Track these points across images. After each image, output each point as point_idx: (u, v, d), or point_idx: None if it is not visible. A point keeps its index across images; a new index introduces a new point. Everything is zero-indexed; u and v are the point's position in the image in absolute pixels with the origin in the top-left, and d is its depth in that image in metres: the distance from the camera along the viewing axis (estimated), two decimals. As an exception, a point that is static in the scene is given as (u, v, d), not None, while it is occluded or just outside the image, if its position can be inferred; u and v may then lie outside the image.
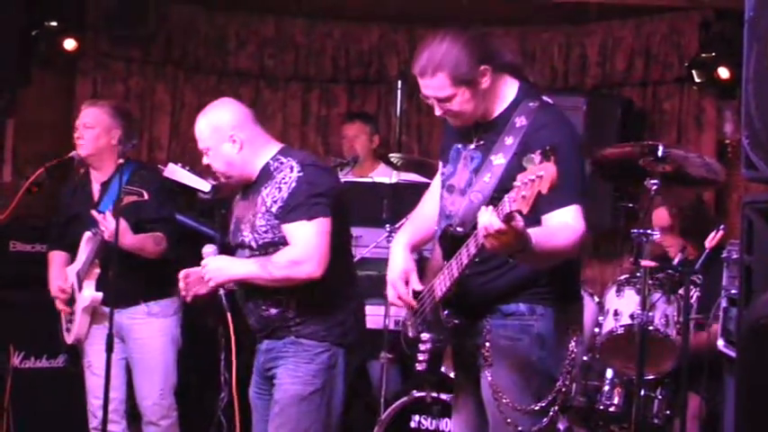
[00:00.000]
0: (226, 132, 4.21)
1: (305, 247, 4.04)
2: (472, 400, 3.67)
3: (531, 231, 3.14)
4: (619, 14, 7.75)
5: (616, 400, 5.47)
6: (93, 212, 5.06)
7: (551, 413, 3.51)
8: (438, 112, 3.60)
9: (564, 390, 3.53)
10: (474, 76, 3.50)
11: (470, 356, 3.60)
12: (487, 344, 3.51)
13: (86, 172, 5.45)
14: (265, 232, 4.11)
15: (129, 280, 5.17)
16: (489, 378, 3.51)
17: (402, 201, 5.91)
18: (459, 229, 3.44)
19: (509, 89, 3.60)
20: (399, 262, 3.70)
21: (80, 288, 5.26)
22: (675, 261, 5.68)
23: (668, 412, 5.40)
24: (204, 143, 4.26)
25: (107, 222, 4.96)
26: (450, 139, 3.75)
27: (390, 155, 6.35)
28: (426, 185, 5.76)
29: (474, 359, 3.58)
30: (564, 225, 3.34)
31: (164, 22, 8.05)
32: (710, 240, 5.38)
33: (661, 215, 5.77)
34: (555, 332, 3.52)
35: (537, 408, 3.49)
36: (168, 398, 5.35)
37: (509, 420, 3.47)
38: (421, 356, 3.64)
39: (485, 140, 3.57)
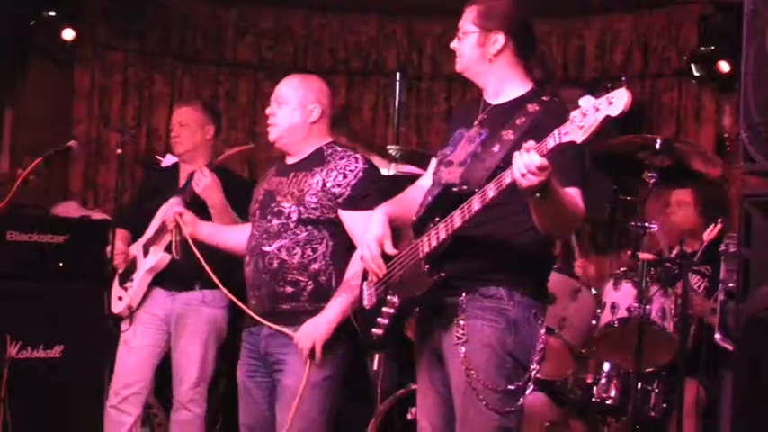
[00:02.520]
0: (312, 99, 4.38)
1: None
2: (439, 380, 3.66)
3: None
4: (618, 7, 7.75)
5: (613, 393, 5.47)
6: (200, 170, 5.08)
7: (521, 400, 3.53)
8: (453, 43, 3.75)
9: (533, 377, 3.56)
10: (491, 28, 3.64)
11: (441, 333, 3.59)
12: (462, 321, 3.50)
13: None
14: (314, 209, 4.22)
15: (187, 261, 5.24)
16: (463, 355, 3.50)
17: (399, 193, 5.89)
18: (464, 187, 3.45)
19: (523, 83, 3.69)
20: (377, 226, 3.68)
21: (145, 255, 5.38)
22: (673, 254, 5.69)
23: (665, 405, 5.40)
24: (286, 96, 4.40)
25: (203, 175, 5.02)
26: (455, 125, 3.82)
27: (388, 146, 6.33)
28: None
29: (443, 335, 3.58)
30: (573, 198, 3.40)
31: (162, 13, 8.05)
32: (708, 233, 5.38)
33: (682, 194, 5.83)
34: (529, 320, 3.53)
35: (508, 389, 3.50)
36: (202, 386, 5.42)
37: (481, 397, 3.47)
38: (381, 320, 3.64)
39: (493, 120, 3.62)
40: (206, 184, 4.98)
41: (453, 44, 3.76)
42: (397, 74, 7.68)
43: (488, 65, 3.67)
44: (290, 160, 4.42)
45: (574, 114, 3.02)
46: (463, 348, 3.50)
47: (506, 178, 3.20)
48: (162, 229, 5.27)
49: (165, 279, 5.37)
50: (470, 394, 3.49)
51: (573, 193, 3.41)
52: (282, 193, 4.29)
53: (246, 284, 4.36)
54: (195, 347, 5.39)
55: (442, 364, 3.61)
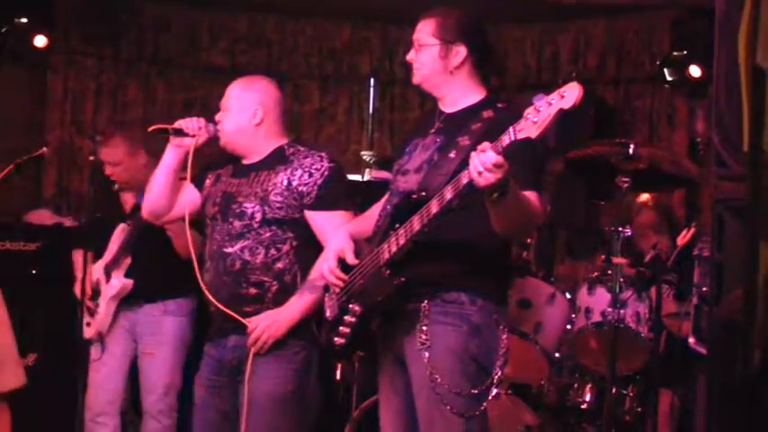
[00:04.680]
0: (254, 101, 4.30)
1: None
2: (402, 386, 3.66)
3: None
4: (591, 12, 7.77)
5: (587, 397, 5.49)
6: None
7: (484, 404, 3.56)
8: (410, 55, 3.79)
9: (496, 381, 3.59)
10: (453, 41, 3.68)
11: (403, 339, 3.60)
12: (426, 327, 3.52)
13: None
14: (279, 208, 4.14)
15: (150, 277, 5.26)
16: (426, 360, 3.51)
17: (374, 198, 5.88)
18: (422, 193, 3.45)
19: (478, 91, 3.73)
20: (337, 240, 3.75)
21: (107, 280, 5.32)
22: (647, 258, 5.71)
23: (639, 409, 5.42)
24: (228, 102, 4.36)
25: None
26: (410, 137, 3.85)
27: (362, 152, 6.33)
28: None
29: (406, 341, 3.58)
30: (531, 200, 3.42)
31: (135, 19, 8.02)
32: (682, 238, 5.40)
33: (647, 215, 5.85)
34: (491, 325, 3.57)
35: (471, 393, 3.52)
36: (171, 396, 5.37)
37: (444, 401, 3.48)
38: (343, 329, 3.64)
39: (448, 127, 3.65)
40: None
41: (410, 56, 3.78)
42: (371, 79, 7.70)
43: (449, 76, 3.71)
44: (246, 161, 4.32)
45: (528, 111, 3.04)
46: (427, 354, 3.52)
47: (463, 179, 3.21)
48: (121, 253, 5.25)
49: (127, 297, 5.35)
50: (434, 399, 3.50)
51: (530, 197, 3.42)
52: (244, 194, 4.19)
53: (205, 290, 4.19)
54: (161, 357, 5.35)
55: (405, 370, 3.61)
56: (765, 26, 3.14)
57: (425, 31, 3.73)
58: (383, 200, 3.89)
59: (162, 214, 4.44)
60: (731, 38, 3.38)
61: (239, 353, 4.14)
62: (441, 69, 3.70)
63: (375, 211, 3.89)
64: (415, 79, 3.77)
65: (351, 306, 3.63)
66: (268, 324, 4.08)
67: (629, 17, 7.68)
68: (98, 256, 5.43)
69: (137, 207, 5.03)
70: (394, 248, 3.47)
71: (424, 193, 3.44)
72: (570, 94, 3.01)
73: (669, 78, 7.20)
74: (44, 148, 5.55)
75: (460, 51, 3.68)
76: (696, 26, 7.00)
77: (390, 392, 3.75)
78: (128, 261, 5.30)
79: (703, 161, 6.88)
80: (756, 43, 3.13)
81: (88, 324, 5.39)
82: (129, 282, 5.29)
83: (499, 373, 3.57)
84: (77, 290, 5.35)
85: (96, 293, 5.36)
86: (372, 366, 5.98)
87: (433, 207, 3.33)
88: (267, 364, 4.10)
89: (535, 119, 3.01)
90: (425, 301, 3.53)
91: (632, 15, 7.65)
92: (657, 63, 7.32)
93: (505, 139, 3.08)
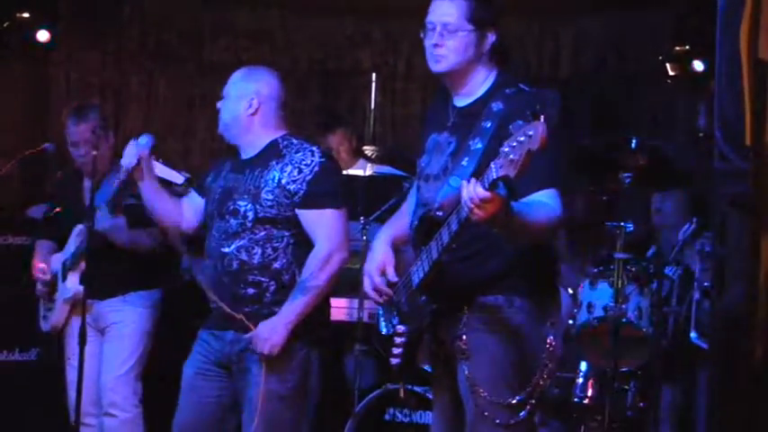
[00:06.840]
0: (250, 91, 4.26)
1: (333, 236, 4.07)
2: (448, 393, 3.61)
3: (513, 203, 3.07)
4: (592, 7, 7.77)
5: (590, 393, 5.48)
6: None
7: (528, 407, 3.44)
8: (431, 40, 3.49)
9: (542, 383, 3.45)
10: (486, 27, 3.46)
11: (447, 349, 3.53)
12: (464, 336, 3.43)
13: (78, 168, 5.40)
14: (270, 207, 4.08)
15: (112, 274, 5.14)
16: (466, 372, 3.44)
17: (377, 193, 5.90)
18: (438, 213, 3.34)
19: (489, 76, 3.54)
20: (378, 254, 3.64)
21: (63, 279, 5.22)
22: (648, 253, 5.71)
23: (642, 404, 5.42)
24: (227, 89, 4.34)
25: (103, 219, 4.93)
26: (428, 130, 3.69)
27: (365, 147, 6.33)
28: (401, 178, 5.81)
29: (451, 352, 3.52)
30: (543, 203, 3.28)
31: (138, 14, 8.03)
32: (684, 232, 5.41)
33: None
34: (532, 325, 3.45)
35: (514, 401, 3.42)
36: (127, 388, 5.18)
37: (486, 414, 3.40)
38: (396, 350, 3.57)
39: (461, 125, 3.50)
40: (106, 227, 4.93)
41: (435, 40, 3.48)
42: (373, 75, 7.70)
43: (475, 64, 3.50)
44: (244, 155, 4.27)
45: (506, 144, 2.92)
46: (466, 363, 3.44)
47: (462, 211, 3.10)
48: (78, 253, 5.15)
49: (88, 291, 5.01)
50: (476, 410, 3.42)
51: (548, 194, 3.30)
52: (239, 191, 4.15)
53: (205, 287, 4.19)
54: (117, 347, 5.20)
55: (455, 380, 3.55)
56: (767, 20, 3.15)
57: (454, 14, 3.45)
58: (411, 198, 3.79)
59: (176, 228, 4.48)
60: (733, 32, 3.38)
61: (236, 348, 4.11)
62: (472, 57, 3.47)
63: (408, 207, 3.78)
64: (440, 66, 3.49)
65: (398, 327, 3.56)
66: (266, 337, 4.04)
67: (630, 12, 7.67)
68: (60, 248, 5.32)
69: (93, 208, 4.93)
70: (422, 274, 3.40)
71: (440, 213, 3.32)
72: (534, 135, 2.87)
73: (671, 73, 7.20)
74: (47, 144, 5.53)
75: (490, 38, 3.48)
76: (698, 21, 6.99)
77: (439, 401, 3.70)
78: (83, 264, 5.11)
79: (705, 156, 6.87)
80: (758, 38, 3.14)
81: (45, 318, 5.31)
82: (80, 289, 5.02)
83: (545, 374, 3.45)
84: (33, 272, 5.31)
85: (54, 288, 5.26)
86: (376, 363, 6.03)
87: (444, 236, 3.24)
88: (268, 364, 4.06)
89: (511, 156, 2.90)
90: (464, 309, 3.43)
91: (634, 10, 7.65)
92: (659, 58, 7.31)
93: (491, 175, 2.96)
